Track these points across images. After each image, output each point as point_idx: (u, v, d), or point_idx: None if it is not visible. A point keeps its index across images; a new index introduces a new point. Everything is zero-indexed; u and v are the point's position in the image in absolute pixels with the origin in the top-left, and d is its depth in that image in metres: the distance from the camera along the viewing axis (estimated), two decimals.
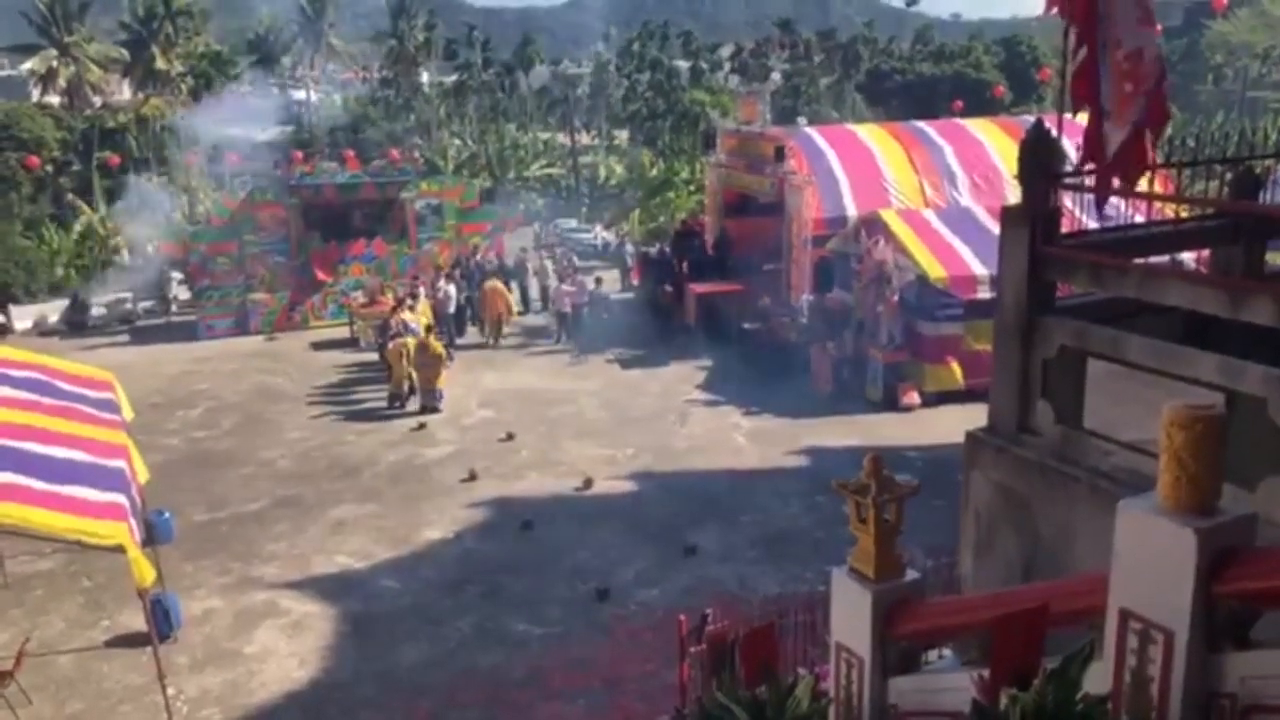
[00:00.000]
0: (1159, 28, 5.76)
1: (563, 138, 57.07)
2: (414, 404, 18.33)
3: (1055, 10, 5.79)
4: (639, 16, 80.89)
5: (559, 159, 53.68)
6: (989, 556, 6.51)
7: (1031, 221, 6.07)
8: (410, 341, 18.53)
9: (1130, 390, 5.71)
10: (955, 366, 17.28)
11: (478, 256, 25.65)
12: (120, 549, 8.27)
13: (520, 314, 25.48)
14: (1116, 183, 5.76)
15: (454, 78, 61.36)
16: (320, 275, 24.81)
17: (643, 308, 24.02)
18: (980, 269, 16.42)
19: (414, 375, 18.43)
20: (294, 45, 70.37)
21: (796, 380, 18.60)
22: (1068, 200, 6.57)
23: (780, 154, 21.61)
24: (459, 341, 22.38)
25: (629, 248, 30.33)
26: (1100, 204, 5.90)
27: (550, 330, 23.75)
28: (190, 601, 11.59)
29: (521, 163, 50.48)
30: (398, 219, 25.93)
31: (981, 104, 45.67)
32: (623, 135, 64.41)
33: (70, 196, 41.21)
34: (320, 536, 13.44)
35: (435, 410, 18.12)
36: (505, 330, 22.75)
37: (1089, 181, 6.42)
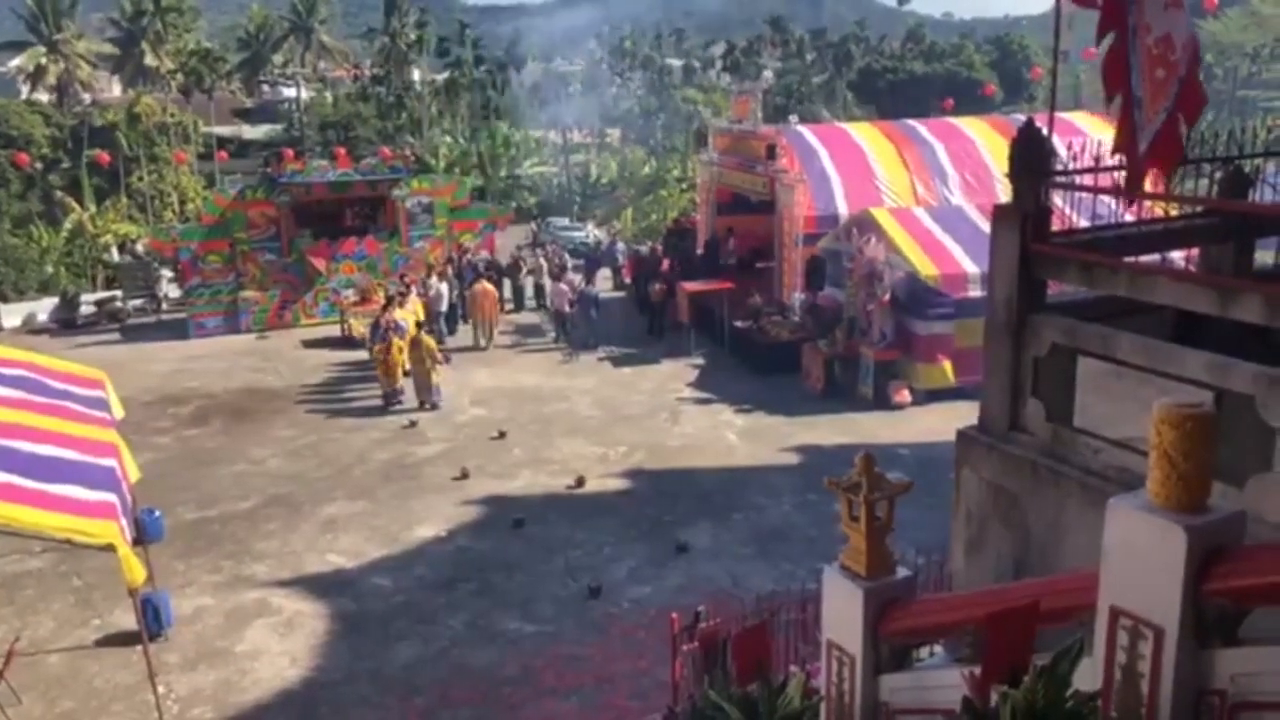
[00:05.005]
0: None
1: (555, 136, 57.02)
2: (407, 402, 18.30)
3: (1082, 2, 5.60)
4: (631, 14, 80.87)
5: (551, 157, 53.62)
6: (980, 554, 6.53)
7: (1022, 220, 6.08)
8: (398, 342, 18.51)
9: (1121, 388, 5.73)
10: (946, 364, 17.32)
11: (469, 255, 25.63)
12: (111, 548, 8.24)
13: (512, 311, 25.47)
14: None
15: (445, 75, 61.22)
16: (317, 265, 24.74)
17: (634, 306, 24.06)
18: (971, 267, 16.46)
19: (401, 373, 18.44)
20: (285, 43, 70.13)
21: (788, 378, 18.63)
22: (1058, 199, 6.59)
23: (772, 152, 21.64)
24: (451, 340, 22.31)
25: (620, 246, 30.32)
26: (1134, 194, 5.69)
27: (544, 328, 23.72)
28: (181, 600, 11.54)
29: (513, 161, 50.42)
30: (389, 217, 25.91)
31: (973, 102, 45.83)
32: (615, 133, 64.40)
33: (60, 194, 41.04)
34: (312, 535, 13.41)
35: (435, 407, 18.14)
36: (495, 332, 22.68)
37: (1084, 180, 6.44)
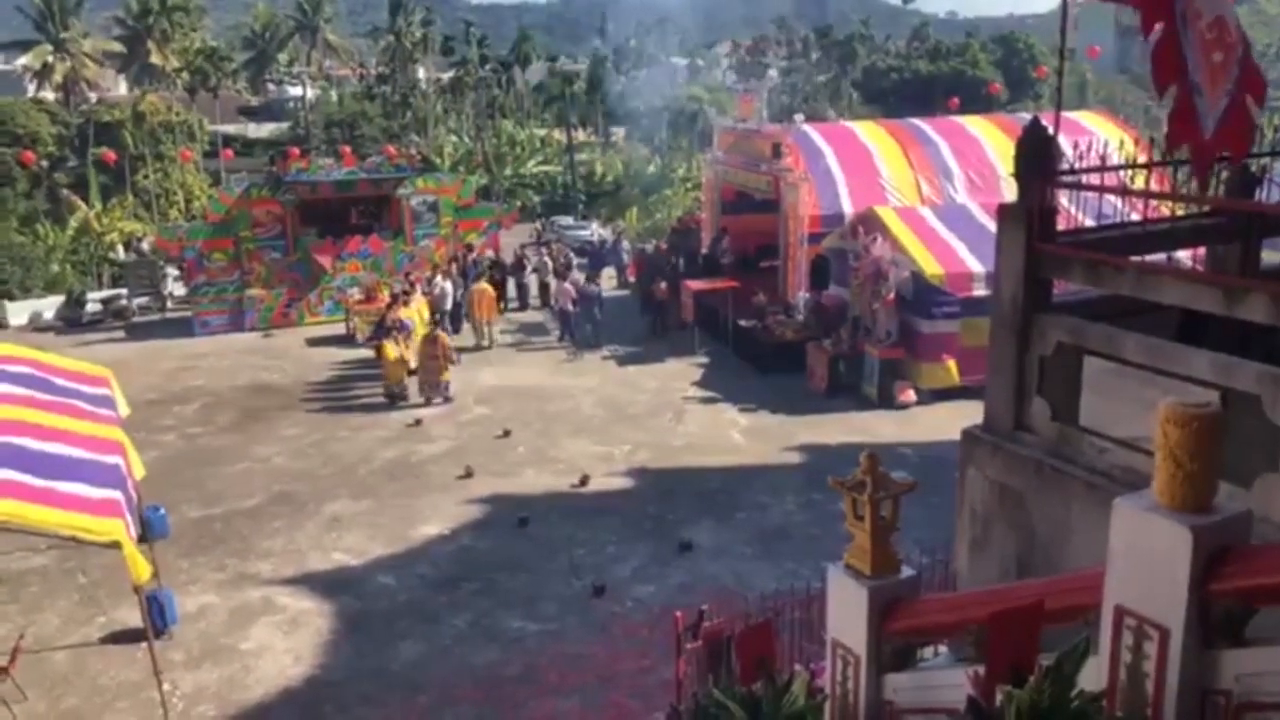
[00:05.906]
0: None
1: (559, 134, 57.04)
2: (412, 399, 18.32)
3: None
4: (636, 13, 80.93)
5: (555, 156, 53.63)
6: (984, 553, 6.52)
7: (1028, 219, 6.07)
8: (403, 342, 18.54)
9: (1127, 388, 5.71)
10: (951, 364, 17.29)
11: (473, 254, 25.65)
12: (116, 545, 8.27)
13: (516, 310, 25.47)
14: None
15: (450, 74, 61.29)
16: (323, 263, 24.76)
17: (638, 305, 24.03)
18: (976, 266, 16.43)
19: (408, 370, 18.47)
20: (290, 41, 70.23)
21: (793, 377, 18.60)
22: (1064, 198, 6.57)
23: (777, 151, 21.62)
24: (455, 339, 22.27)
25: (625, 244, 30.33)
26: (1204, 183, 5.53)
27: (548, 327, 23.70)
28: (186, 598, 11.56)
29: (518, 160, 50.44)
30: (394, 216, 25.93)
31: (977, 101, 45.74)
32: (619, 132, 64.38)
33: (65, 192, 41.15)
34: (316, 533, 13.42)
35: (449, 400, 18.24)
36: (495, 332, 22.64)
37: (1090, 179, 6.42)
